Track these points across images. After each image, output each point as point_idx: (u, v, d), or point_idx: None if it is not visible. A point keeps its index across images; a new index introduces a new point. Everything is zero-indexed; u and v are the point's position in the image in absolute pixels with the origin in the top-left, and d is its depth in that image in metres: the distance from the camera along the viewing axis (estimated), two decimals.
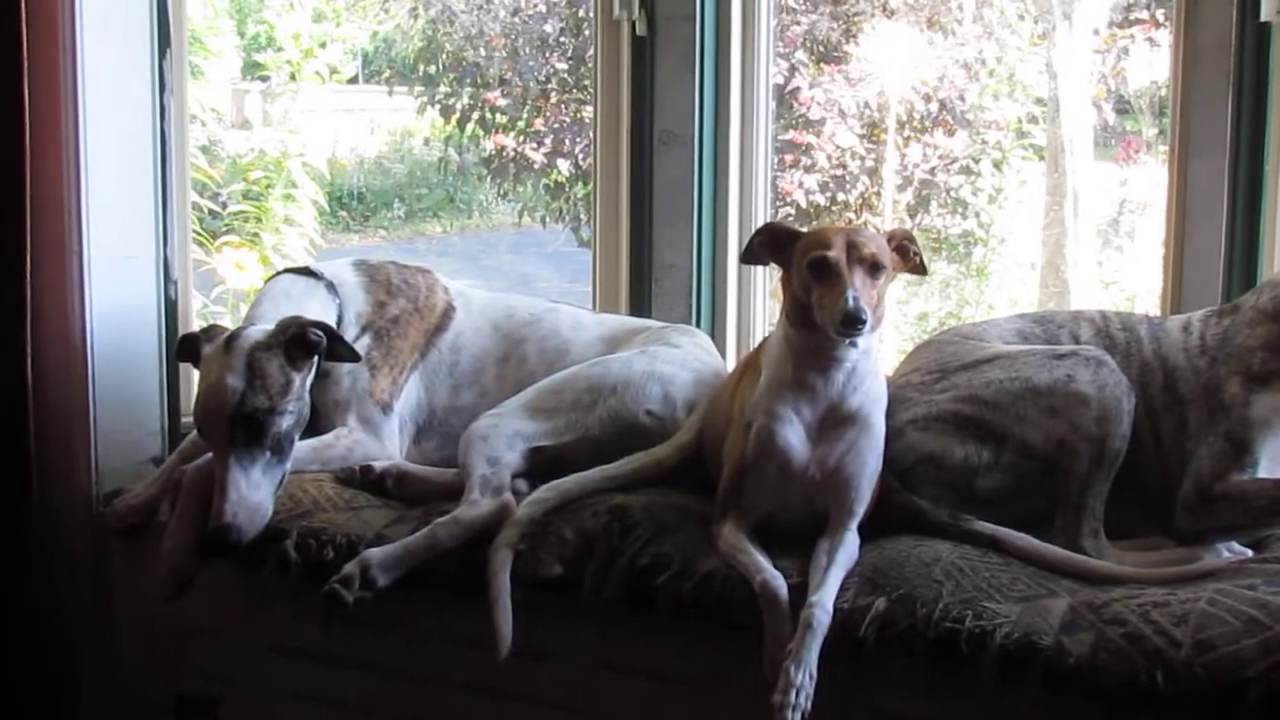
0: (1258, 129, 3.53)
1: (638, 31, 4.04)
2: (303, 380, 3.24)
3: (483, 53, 7.50)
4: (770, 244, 3.02)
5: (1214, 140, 3.56)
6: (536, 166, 7.27)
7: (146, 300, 3.82)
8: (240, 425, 3.11)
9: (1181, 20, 3.60)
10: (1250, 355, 3.04)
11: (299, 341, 3.20)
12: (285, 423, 3.17)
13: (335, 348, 3.26)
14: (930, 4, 6.41)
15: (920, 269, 3.05)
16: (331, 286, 3.51)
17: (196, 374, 3.30)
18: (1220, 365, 3.08)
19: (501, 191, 7.73)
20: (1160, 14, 5.95)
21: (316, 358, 3.26)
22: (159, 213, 3.82)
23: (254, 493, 3.12)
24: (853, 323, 2.74)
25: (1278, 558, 2.85)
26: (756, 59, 4.09)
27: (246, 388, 3.12)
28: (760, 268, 4.06)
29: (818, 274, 2.83)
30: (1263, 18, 3.46)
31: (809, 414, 2.93)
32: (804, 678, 2.62)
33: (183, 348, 3.37)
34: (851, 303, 2.75)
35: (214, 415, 3.13)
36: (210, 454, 3.19)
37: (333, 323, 3.39)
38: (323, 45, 7.11)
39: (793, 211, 6.32)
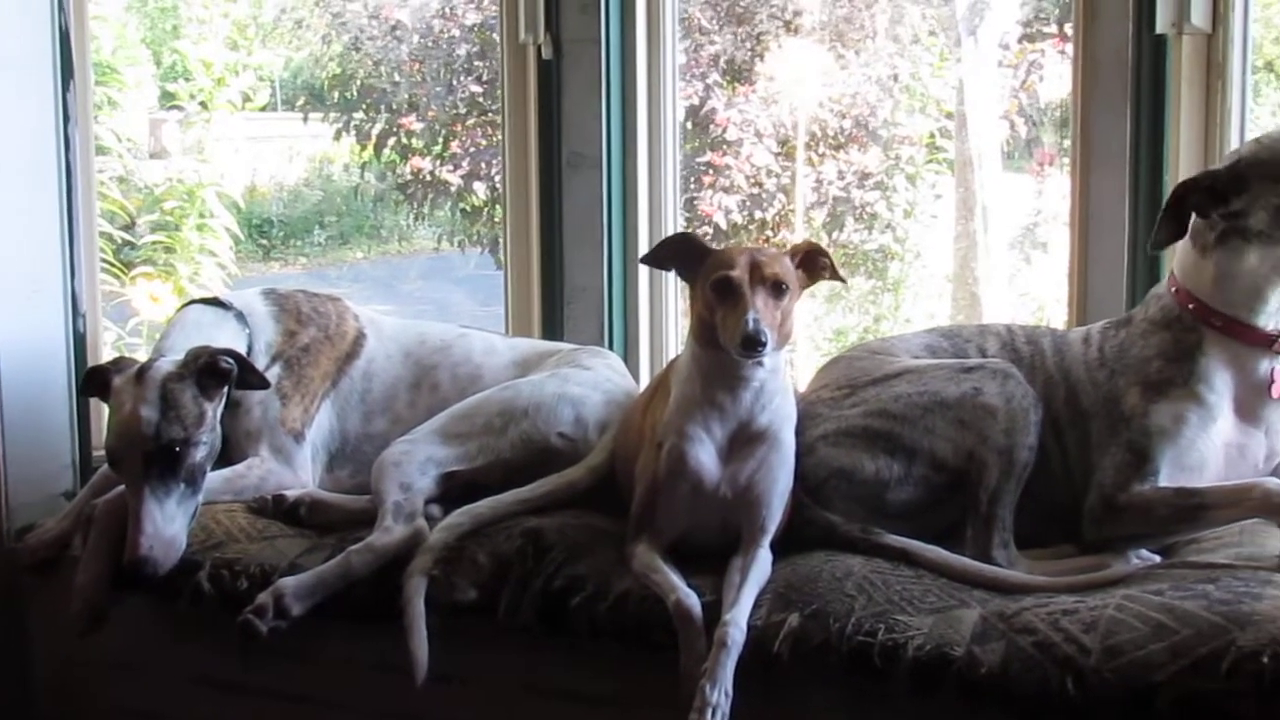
0: (1157, 140, 3.56)
1: (544, 55, 4.05)
2: (215, 410, 3.23)
3: (395, 78, 7.48)
4: (680, 256, 3.02)
5: (1114, 151, 3.59)
6: (453, 189, 7.25)
7: (54, 333, 3.81)
8: (156, 457, 3.10)
9: (1080, 33, 3.65)
10: (1147, 365, 3.07)
11: (210, 370, 3.20)
12: (199, 454, 3.17)
13: (246, 376, 3.25)
14: (835, 22, 6.44)
15: (836, 278, 3.06)
16: (241, 316, 3.50)
17: (107, 407, 3.28)
18: (1119, 377, 3.10)
19: (418, 215, 7.69)
20: (1069, 28, 5.99)
21: (227, 387, 3.25)
22: (65, 245, 3.81)
23: (169, 525, 3.11)
24: (753, 345, 2.75)
25: (1185, 562, 2.88)
26: (663, 81, 4.10)
27: (161, 419, 3.11)
28: (672, 288, 4.07)
29: (721, 294, 2.83)
30: (1158, 30, 3.50)
31: (719, 432, 2.94)
32: (720, 696, 2.63)
33: (90, 382, 3.34)
34: (751, 325, 2.75)
35: (129, 448, 3.11)
36: (122, 487, 3.18)
37: (243, 352, 3.38)
38: (235, 73, 7.05)
39: (712, 231, 6.32)
